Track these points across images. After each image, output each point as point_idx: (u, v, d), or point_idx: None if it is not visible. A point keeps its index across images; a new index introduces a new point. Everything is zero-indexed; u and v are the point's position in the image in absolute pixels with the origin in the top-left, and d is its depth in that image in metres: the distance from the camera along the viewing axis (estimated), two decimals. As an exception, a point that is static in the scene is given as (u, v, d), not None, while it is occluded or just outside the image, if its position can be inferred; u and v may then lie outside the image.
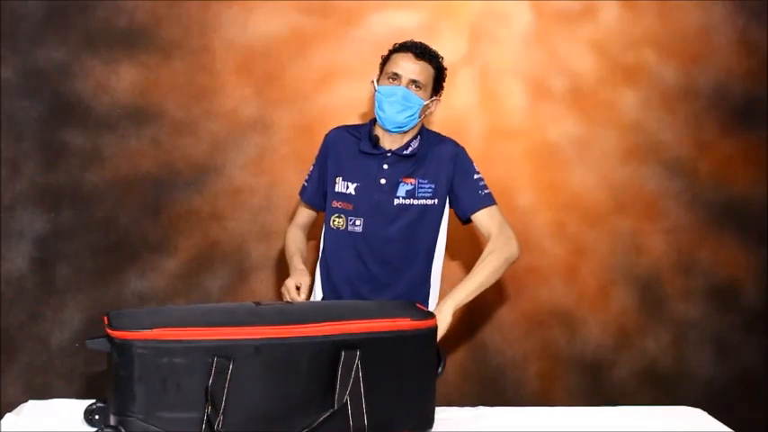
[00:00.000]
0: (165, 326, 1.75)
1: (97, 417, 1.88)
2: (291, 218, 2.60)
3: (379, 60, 3.00)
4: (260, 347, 1.77)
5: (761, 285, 3.15)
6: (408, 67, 2.35)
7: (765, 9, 3.07)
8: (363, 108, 2.92)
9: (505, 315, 3.05)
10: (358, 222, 2.41)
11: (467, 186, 2.42)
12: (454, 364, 2.99)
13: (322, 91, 2.93)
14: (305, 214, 2.55)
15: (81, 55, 2.85)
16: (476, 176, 2.44)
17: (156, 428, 1.73)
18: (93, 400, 1.92)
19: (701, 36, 3.06)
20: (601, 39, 3.02)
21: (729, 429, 2.06)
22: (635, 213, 3.08)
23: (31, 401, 2.03)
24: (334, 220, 2.43)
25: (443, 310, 2.23)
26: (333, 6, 2.92)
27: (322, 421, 1.79)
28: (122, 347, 1.74)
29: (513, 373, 3.06)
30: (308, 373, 1.79)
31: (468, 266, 2.67)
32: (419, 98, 2.35)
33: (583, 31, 3.01)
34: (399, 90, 2.33)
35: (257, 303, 1.91)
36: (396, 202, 2.39)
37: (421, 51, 2.36)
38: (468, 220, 2.45)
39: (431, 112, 2.44)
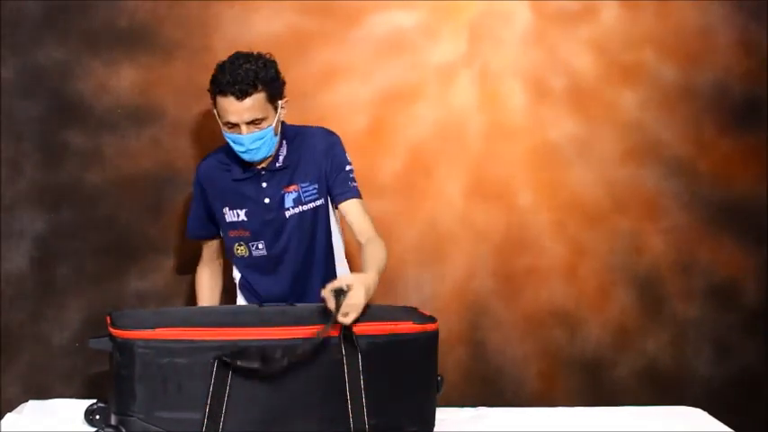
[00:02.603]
0: (167, 326, 1.75)
1: (98, 417, 1.89)
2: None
3: (378, 61, 3.01)
4: (261, 348, 1.77)
5: (761, 285, 3.15)
6: (238, 111, 2.19)
7: (765, 9, 3.07)
8: (364, 109, 2.92)
9: (505, 315, 3.05)
10: (260, 246, 2.38)
11: (338, 176, 2.34)
12: (454, 363, 2.99)
13: (322, 91, 2.92)
14: (207, 247, 2.58)
15: (81, 55, 2.85)
16: (347, 167, 2.36)
17: (156, 428, 1.73)
18: (94, 400, 1.92)
19: (700, 36, 3.06)
20: (601, 39, 3.02)
21: (729, 429, 2.06)
22: (635, 213, 3.08)
23: (31, 401, 2.03)
24: (237, 249, 2.41)
25: (368, 286, 1.95)
26: (333, 6, 2.92)
27: (323, 423, 1.80)
28: (124, 347, 1.74)
29: (513, 373, 3.06)
30: (309, 375, 1.79)
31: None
32: (266, 128, 2.24)
33: (583, 31, 3.01)
34: (245, 139, 2.22)
35: (260, 305, 1.91)
36: (288, 214, 2.35)
37: (241, 89, 2.17)
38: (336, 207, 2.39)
39: (284, 114, 2.33)
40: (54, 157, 2.86)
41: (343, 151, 2.38)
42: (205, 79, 2.86)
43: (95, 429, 1.82)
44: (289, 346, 1.78)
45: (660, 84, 3.06)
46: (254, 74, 2.19)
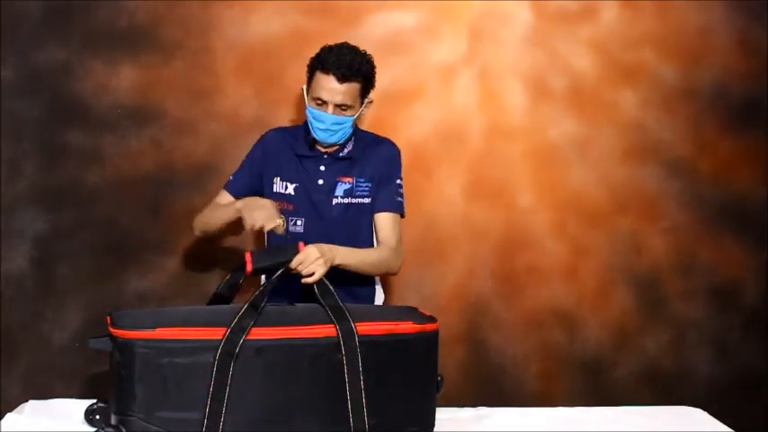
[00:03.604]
0: (167, 325, 1.75)
1: (98, 417, 1.89)
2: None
3: (378, 61, 2.99)
4: (262, 348, 1.77)
5: (761, 285, 3.15)
6: (333, 91, 2.30)
7: (765, 9, 3.07)
8: (363, 108, 2.92)
9: (505, 315, 3.05)
10: (299, 222, 2.42)
11: (387, 186, 2.46)
12: (454, 363, 2.99)
13: (322, 91, 2.92)
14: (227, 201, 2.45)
15: (81, 55, 2.85)
16: (398, 181, 2.49)
17: (156, 428, 1.73)
18: (94, 400, 1.92)
19: (701, 36, 3.06)
20: (601, 39, 3.02)
21: (729, 429, 2.06)
22: (635, 213, 3.08)
23: (31, 401, 2.03)
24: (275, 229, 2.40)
25: (323, 249, 2.14)
26: (333, 6, 2.92)
27: (323, 423, 1.80)
28: (124, 347, 1.74)
29: (513, 372, 3.06)
30: (309, 375, 1.80)
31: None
32: (349, 117, 2.35)
33: (583, 31, 3.02)
34: (328, 118, 2.32)
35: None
36: (334, 201, 2.41)
37: (343, 73, 2.29)
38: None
39: (365, 113, 2.44)
40: (54, 157, 2.86)
41: (400, 166, 2.50)
42: (205, 79, 2.90)
43: (95, 429, 1.82)
44: (289, 346, 1.79)
45: (660, 84, 3.06)
46: (357, 64, 2.32)
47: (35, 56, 2.83)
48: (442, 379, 1.94)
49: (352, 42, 2.76)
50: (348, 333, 1.82)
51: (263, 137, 2.53)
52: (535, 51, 3.00)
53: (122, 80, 2.87)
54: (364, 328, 1.84)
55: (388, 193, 2.46)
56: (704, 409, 2.23)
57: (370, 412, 1.81)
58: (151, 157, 2.89)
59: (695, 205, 3.10)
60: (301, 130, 2.47)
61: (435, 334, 1.93)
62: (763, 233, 3.14)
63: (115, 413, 1.76)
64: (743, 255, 3.14)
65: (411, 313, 1.96)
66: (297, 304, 1.98)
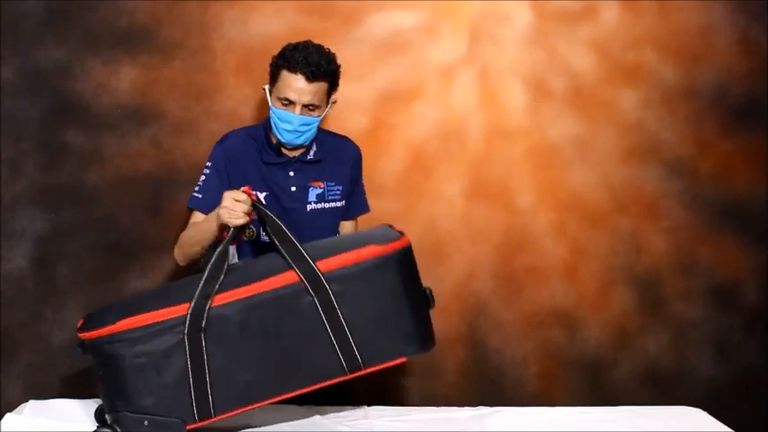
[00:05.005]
0: (125, 316, 1.73)
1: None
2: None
3: (378, 61, 3.00)
4: (229, 315, 1.73)
5: (761, 285, 3.15)
6: (301, 91, 2.23)
7: (765, 9, 3.07)
8: (364, 109, 2.92)
9: (505, 315, 3.05)
10: None
11: (358, 190, 2.48)
12: (454, 363, 2.99)
13: (322, 91, 2.92)
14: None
15: (81, 55, 2.85)
16: (362, 180, 2.50)
17: (149, 416, 1.71)
18: (99, 401, 1.91)
19: (701, 36, 3.06)
20: (601, 39, 3.02)
21: (729, 429, 2.06)
22: (635, 213, 3.08)
23: (31, 401, 2.03)
24: (245, 232, 2.31)
25: None
26: (333, 6, 2.92)
27: (315, 374, 1.74)
28: (93, 347, 1.73)
29: (513, 373, 3.06)
30: (285, 327, 1.74)
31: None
32: (316, 117, 2.28)
33: (583, 31, 3.01)
34: (295, 119, 2.24)
35: None
36: (309, 207, 2.36)
37: (312, 72, 2.21)
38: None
39: (329, 113, 2.37)
40: (54, 157, 2.86)
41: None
42: (205, 79, 2.90)
43: (94, 429, 1.82)
44: (254, 305, 1.74)
45: (660, 84, 3.06)
46: (325, 62, 2.25)
47: (35, 56, 2.83)
48: (430, 291, 1.86)
49: (352, 42, 2.76)
50: (311, 275, 1.74)
51: (222, 143, 2.39)
52: (535, 51, 3.00)
53: (122, 80, 2.87)
54: (327, 264, 1.76)
55: (359, 196, 2.48)
56: (704, 409, 2.23)
57: (360, 346, 1.74)
58: (151, 157, 2.89)
59: (695, 205, 3.10)
60: (261, 132, 2.37)
61: (406, 250, 1.84)
62: (763, 233, 3.14)
63: (108, 412, 1.76)
64: (743, 255, 3.14)
65: (372, 237, 1.86)
66: (258, 257, 1.94)
